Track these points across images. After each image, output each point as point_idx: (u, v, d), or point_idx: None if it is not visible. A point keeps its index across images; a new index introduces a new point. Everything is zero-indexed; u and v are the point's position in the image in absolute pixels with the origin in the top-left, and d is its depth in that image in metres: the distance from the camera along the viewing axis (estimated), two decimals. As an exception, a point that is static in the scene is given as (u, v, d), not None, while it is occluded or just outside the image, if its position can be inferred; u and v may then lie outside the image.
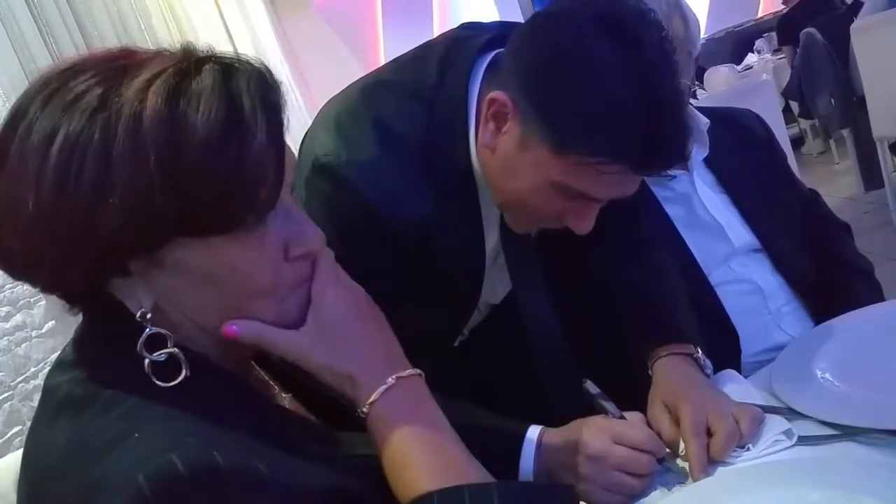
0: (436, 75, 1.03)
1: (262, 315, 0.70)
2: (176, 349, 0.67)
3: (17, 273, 0.67)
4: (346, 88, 1.11)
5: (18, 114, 0.63)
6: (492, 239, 1.12)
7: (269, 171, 0.65)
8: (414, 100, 1.03)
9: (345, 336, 0.73)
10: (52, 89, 0.63)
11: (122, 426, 0.61)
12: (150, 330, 0.66)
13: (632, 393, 1.06)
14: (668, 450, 0.96)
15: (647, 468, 0.92)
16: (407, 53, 1.12)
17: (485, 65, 1.03)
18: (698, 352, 1.07)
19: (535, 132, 0.93)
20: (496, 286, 1.21)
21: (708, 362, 1.08)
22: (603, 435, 0.94)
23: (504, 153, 0.98)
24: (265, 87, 0.67)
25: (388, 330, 0.77)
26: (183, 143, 0.61)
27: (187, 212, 0.62)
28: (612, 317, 1.20)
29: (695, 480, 0.90)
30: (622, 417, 0.97)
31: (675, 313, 1.15)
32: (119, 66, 0.65)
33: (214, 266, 0.66)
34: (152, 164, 0.61)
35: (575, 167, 0.92)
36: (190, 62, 0.65)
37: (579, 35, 0.91)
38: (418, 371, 0.75)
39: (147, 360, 0.66)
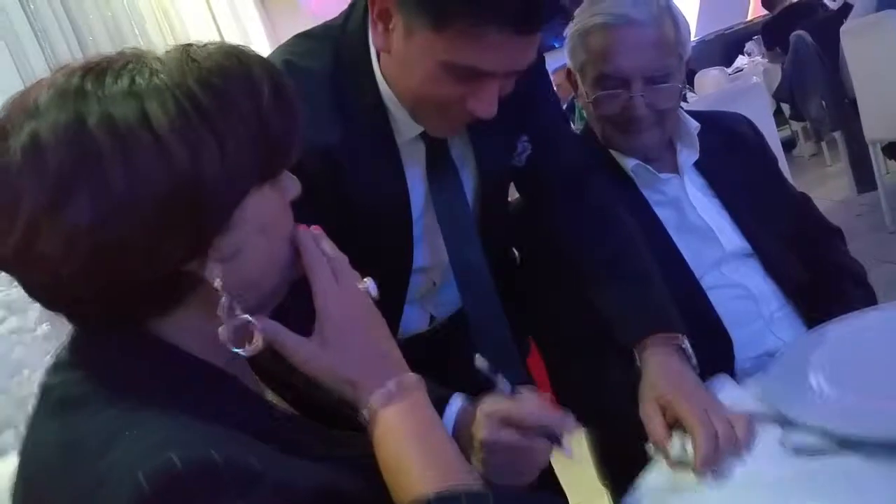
0: (343, 18, 1.09)
1: (283, 255, 0.75)
2: (248, 316, 0.71)
3: (127, 270, 0.65)
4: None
5: (75, 119, 0.63)
6: (419, 187, 1.14)
7: (301, 116, 0.74)
8: (322, 41, 1.09)
9: (347, 343, 0.76)
10: (93, 89, 0.64)
11: (119, 424, 0.62)
12: (227, 298, 0.69)
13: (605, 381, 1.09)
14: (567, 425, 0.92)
15: (539, 452, 0.90)
16: None
17: None
18: (685, 341, 1.08)
19: (415, 16, 0.95)
20: (433, 257, 1.21)
21: (692, 351, 1.08)
22: (489, 421, 0.90)
23: (397, 50, 1.00)
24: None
25: (388, 334, 0.80)
26: (257, 91, 0.69)
27: (266, 157, 0.70)
28: (581, 293, 1.19)
29: (700, 469, 0.90)
30: (516, 393, 0.93)
31: (653, 292, 1.15)
32: (127, 61, 0.67)
33: (263, 213, 0.71)
34: (244, 112, 0.67)
35: (457, 40, 0.93)
36: (191, 43, 0.71)
37: None
38: (417, 376, 0.77)
39: (224, 327, 0.69)
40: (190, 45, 0.70)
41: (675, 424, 0.98)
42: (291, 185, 0.76)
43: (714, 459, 0.91)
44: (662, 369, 1.05)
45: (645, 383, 1.05)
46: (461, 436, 0.93)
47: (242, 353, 0.71)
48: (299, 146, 0.74)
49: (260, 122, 0.68)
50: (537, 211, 1.28)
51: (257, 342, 0.72)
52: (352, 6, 1.10)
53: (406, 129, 1.09)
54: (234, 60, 0.69)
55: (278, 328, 0.74)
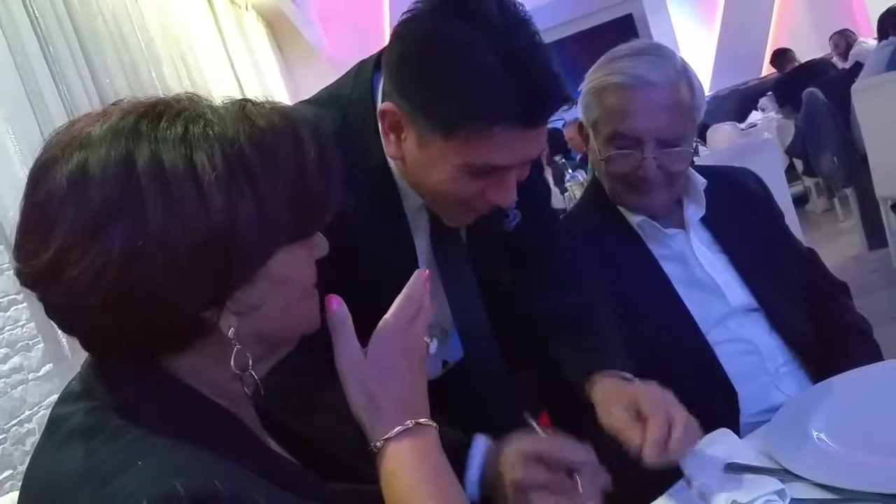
0: (350, 86, 1.11)
1: (308, 313, 0.77)
2: (252, 372, 0.72)
3: (146, 310, 0.66)
4: None
5: (126, 156, 0.65)
6: (424, 250, 1.16)
7: (343, 181, 0.76)
8: (329, 108, 1.09)
9: (391, 370, 0.79)
10: (148, 132, 0.66)
11: (129, 454, 0.63)
12: (238, 347, 0.70)
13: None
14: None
15: (569, 488, 0.93)
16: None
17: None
18: (633, 379, 1.09)
19: (424, 127, 0.98)
20: (442, 311, 1.22)
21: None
22: (523, 460, 0.94)
23: (411, 157, 1.03)
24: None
25: (423, 377, 0.83)
26: (304, 154, 0.71)
27: (302, 218, 0.71)
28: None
29: (647, 456, 0.94)
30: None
31: (598, 338, 1.17)
32: (183, 107, 0.69)
33: (289, 268, 0.72)
34: (288, 174, 0.69)
35: (468, 143, 0.96)
36: (249, 98, 0.73)
37: (427, 27, 0.97)
38: (435, 424, 0.80)
39: (242, 376, 0.71)
40: (247, 101, 0.72)
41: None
42: (321, 244, 0.78)
43: (663, 447, 0.94)
44: (613, 386, 1.08)
45: (603, 401, 1.06)
46: (488, 474, 0.97)
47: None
48: (336, 209, 0.76)
49: (301, 185, 0.70)
50: (515, 274, 1.30)
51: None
52: (356, 75, 1.11)
53: (412, 197, 1.11)
54: (287, 122, 0.71)
55: (348, 322, 0.79)
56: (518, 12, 0.98)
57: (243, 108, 0.70)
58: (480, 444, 1.00)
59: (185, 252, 0.64)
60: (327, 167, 0.73)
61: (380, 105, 1.04)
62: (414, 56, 0.98)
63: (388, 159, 1.08)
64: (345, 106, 1.09)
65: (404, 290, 0.83)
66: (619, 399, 1.04)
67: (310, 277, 0.76)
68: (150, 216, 0.63)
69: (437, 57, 0.95)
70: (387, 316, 0.82)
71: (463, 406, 1.16)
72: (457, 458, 0.96)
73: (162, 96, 0.72)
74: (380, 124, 1.04)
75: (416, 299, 0.83)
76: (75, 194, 0.64)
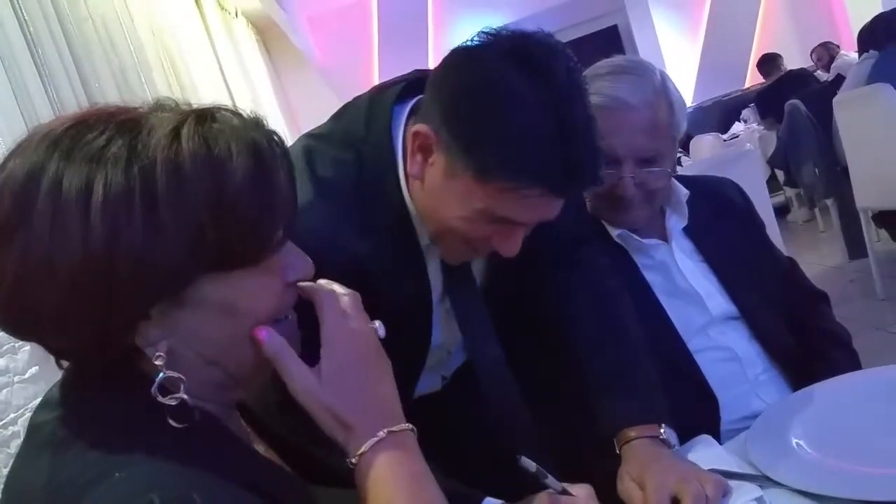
0: (363, 125, 1.09)
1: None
2: (186, 396, 0.68)
3: (42, 331, 0.67)
4: (290, 147, 1.16)
5: (35, 171, 0.64)
6: (437, 281, 1.15)
7: (289, 205, 0.71)
8: (344, 149, 1.08)
9: (348, 382, 0.75)
10: (66, 145, 0.65)
11: (105, 465, 0.62)
12: (165, 374, 0.68)
13: (596, 453, 1.08)
14: None
15: None
16: (339, 109, 1.17)
17: (407, 109, 1.08)
18: (663, 433, 1.08)
19: (459, 161, 0.97)
20: (448, 335, 1.23)
21: (673, 437, 1.09)
22: None
23: (432, 182, 1.02)
24: (269, 132, 0.73)
25: (390, 380, 0.79)
26: (224, 181, 0.66)
27: (226, 247, 0.67)
28: (572, 375, 1.20)
29: None
30: (565, 491, 0.95)
31: (635, 380, 1.15)
32: (126, 119, 0.68)
33: (233, 296, 0.70)
34: (199, 203, 0.65)
35: (497, 193, 0.96)
36: (204, 112, 0.70)
37: (491, 68, 0.96)
38: (411, 426, 0.77)
39: (162, 404, 0.67)
40: (193, 117, 0.69)
41: None
42: (295, 267, 0.75)
43: None
44: (637, 454, 1.06)
45: (622, 467, 1.06)
46: None
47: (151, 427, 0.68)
48: (286, 231, 0.72)
49: (219, 213, 0.66)
50: (531, 282, 1.28)
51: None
52: (368, 112, 1.10)
53: (425, 232, 1.11)
54: (221, 147, 0.67)
55: (285, 349, 0.73)
56: (581, 80, 0.98)
57: (179, 128, 0.67)
58: None
59: (66, 277, 0.63)
60: (264, 192, 0.69)
61: (405, 132, 1.03)
62: (472, 95, 0.96)
63: (408, 204, 1.07)
64: (359, 149, 1.07)
65: (314, 297, 0.77)
66: (633, 472, 1.02)
67: (272, 304, 0.73)
68: (37, 237, 0.63)
69: (497, 106, 0.94)
70: (321, 327, 0.76)
71: (464, 419, 1.17)
72: None
73: (119, 104, 0.71)
74: (408, 143, 1.03)
75: (333, 293, 0.78)
76: None
